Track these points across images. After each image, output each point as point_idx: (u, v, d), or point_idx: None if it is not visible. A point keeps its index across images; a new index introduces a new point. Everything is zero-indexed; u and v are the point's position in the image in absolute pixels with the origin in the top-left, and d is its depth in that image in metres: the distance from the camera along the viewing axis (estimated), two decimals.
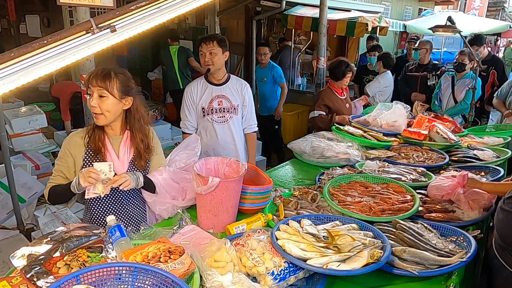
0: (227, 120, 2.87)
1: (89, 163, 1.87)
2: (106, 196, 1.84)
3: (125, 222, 1.98)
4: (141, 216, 2.07)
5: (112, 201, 1.97)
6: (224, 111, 2.85)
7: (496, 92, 4.34)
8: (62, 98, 5.95)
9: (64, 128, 5.94)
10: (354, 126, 3.23)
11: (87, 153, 1.89)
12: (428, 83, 4.89)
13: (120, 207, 1.98)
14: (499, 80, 4.87)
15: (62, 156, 1.92)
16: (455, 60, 4.43)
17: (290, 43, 8.16)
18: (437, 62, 5.49)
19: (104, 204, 1.96)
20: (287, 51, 7.86)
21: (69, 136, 1.95)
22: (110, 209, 1.96)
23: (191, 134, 2.84)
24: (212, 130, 2.86)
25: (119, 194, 1.96)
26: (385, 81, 5.02)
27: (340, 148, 2.78)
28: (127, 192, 1.96)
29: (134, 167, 1.95)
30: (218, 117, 2.84)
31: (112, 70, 1.83)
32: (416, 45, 5.23)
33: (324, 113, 3.63)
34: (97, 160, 1.87)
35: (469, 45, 4.19)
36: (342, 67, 3.71)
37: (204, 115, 2.83)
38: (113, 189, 1.80)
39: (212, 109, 2.82)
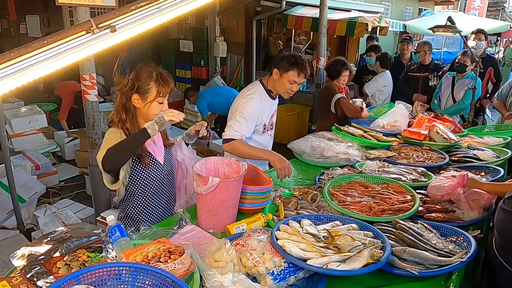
0: (272, 134, 2.79)
1: (137, 167, 1.94)
2: (153, 186, 2.02)
3: (165, 208, 2.11)
4: (172, 204, 2.19)
5: (158, 191, 2.05)
6: (273, 126, 2.76)
7: (496, 93, 4.34)
8: (64, 97, 5.96)
9: None
10: (354, 126, 3.23)
11: (133, 158, 1.92)
12: (430, 84, 4.87)
13: (164, 195, 2.10)
14: (495, 77, 4.91)
15: (116, 138, 1.84)
16: (456, 61, 4.43)
17: (291, 43, 8.17)
18: (438, 63, 5.46)
19: (150, 196, 2.03)
20: (287, 50, 7.86)
21: (110, 131, 1.91)
22: (156, 200, 2.06)
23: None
24: (269, 146, 2.72)
25: (166, 183, 2.08)
26: (384, 80, 5.02)
27: (340, 148, 2.78)
28: (171, 179, 2.12)
29: (166, 149, 2.09)
30: (271, 133, 2.74)
31: (163, 70, 1.91)
32: (415, 47, 5.20)
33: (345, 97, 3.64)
34: (142, 163, 1.94)
35: (467, 44, 4.20)
36: (338, 65, 3.71)
37: (264, 131, 2.63)
38: (160, 178, 2.02)
39: (271, 124, 2.70)
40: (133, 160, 1.94)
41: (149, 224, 1.99)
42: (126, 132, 1.90)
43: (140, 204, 2.03)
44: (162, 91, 1.86)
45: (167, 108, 1.90)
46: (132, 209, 2.04)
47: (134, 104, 1.90)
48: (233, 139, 2.39)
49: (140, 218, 2.04)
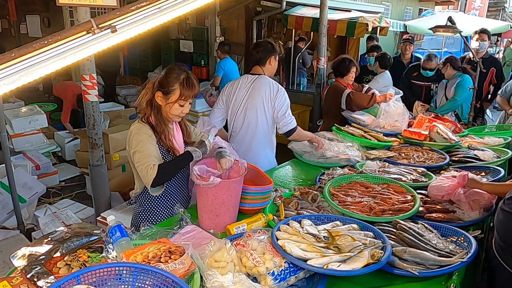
0: None
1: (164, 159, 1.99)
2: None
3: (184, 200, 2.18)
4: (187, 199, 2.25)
5: (175, 185, 2.11)
6: None
7: (500, 90, 4.32)
8: (65, 99, 5.95)
9: (65, 128, 5.95)
10: (354, 126, 3.23)
11: (160, 150, 1.97)
12: (431, 93, 4.85)
13: (180, 190, 2.15)
14: (497, 78, 4.84)
15: (144, 140, 1.92)
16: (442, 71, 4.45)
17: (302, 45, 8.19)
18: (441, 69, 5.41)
19: (174, 188, 2.10)
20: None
21: (137, 127, 1.96)
22: (178, 191, 2.13)
23: None
24: None
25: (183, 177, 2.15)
26: (384, 80, 5.01)
27: (340, 148, 2.78)
28: (186, 175, 2.15)
29: (186, 145, 2.12)
30: None
31: (191, 75, 1.96)
32: (424, 59, 5.09)
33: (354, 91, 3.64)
34: (170, 155, 2.00)
35: (467, 44, 4.19)
36: (346, 62, 3.74)
37: None
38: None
39: None
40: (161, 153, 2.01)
41: (165, 217, 2.08)
42: (151, 126, 1.96)
43: (157, 198, 2.08)
44: (185, 94, 1.91)
45: (187, 111, 1.99)
46: (149, 203, 2.08)
47: (157, 101, 1.95)
48: (296, 127, 2.76)
49: (157, 211, 2.09)
